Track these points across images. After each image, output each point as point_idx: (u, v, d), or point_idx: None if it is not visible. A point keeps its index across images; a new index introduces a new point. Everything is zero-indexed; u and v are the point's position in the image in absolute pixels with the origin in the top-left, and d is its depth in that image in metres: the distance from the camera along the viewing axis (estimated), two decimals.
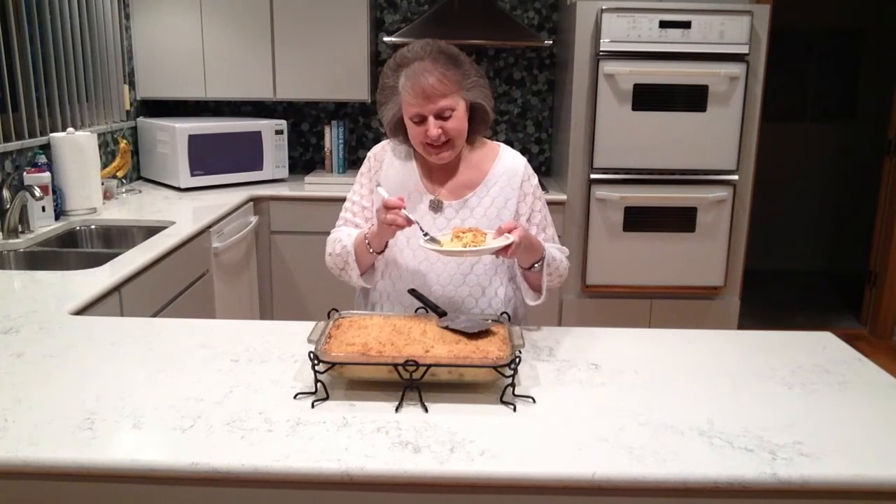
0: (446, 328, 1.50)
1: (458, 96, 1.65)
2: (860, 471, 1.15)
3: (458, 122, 1.66)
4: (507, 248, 1.54)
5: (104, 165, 3.39)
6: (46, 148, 2.94)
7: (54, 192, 2.83)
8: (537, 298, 1.73)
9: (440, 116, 1.63)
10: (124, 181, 3.55)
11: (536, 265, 1.67)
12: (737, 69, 3.48)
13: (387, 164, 1.80)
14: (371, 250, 1.67)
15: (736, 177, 3.61)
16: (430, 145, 1.66)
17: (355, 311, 1.64)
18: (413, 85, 1.62)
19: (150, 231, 2.80)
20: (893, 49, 5.42)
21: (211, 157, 3.64)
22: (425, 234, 1.61)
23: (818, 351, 1.64)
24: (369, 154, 1.84)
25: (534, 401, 1.35)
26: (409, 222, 1.57)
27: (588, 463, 1.15)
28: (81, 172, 2.93)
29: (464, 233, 1.60)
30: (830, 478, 1.14)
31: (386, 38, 3.72)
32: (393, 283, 1.78)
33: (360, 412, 1.30)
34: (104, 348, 1.58)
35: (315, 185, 3.74)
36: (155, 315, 2.41)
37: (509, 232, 1.55)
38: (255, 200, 3.62)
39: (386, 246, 1.70)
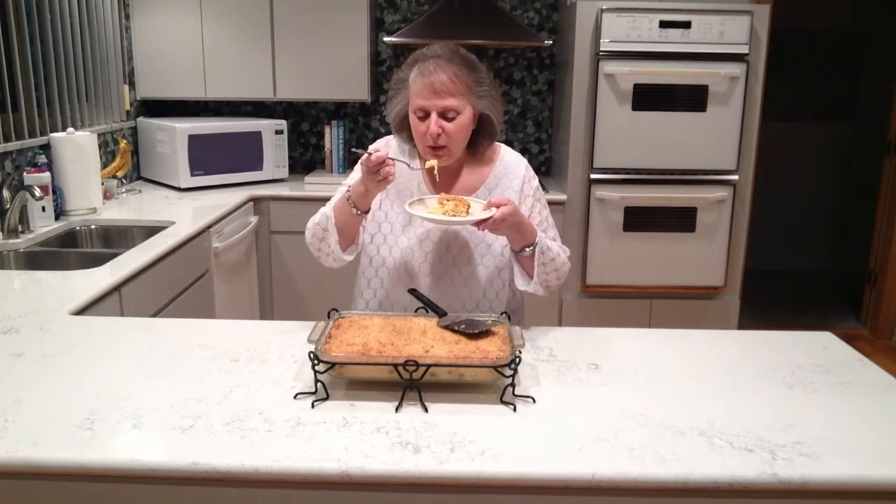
0: (446, 328, 1.50)
1: (467, 101, 1.64)
2: (860, 471, 1.15)
3: (460, 127, 1.65)
4: (485, 220, 1.54)
5: (104, 165, 3.39)
6: (46, 148, 2.94)
7: (54, 192, 2.83)
8: (527, 284, 1.71)
9: (444, 116, 1.63)
10: (124, 181, 3.55)
11: (528, 249, 1.65)
12: (737, 69, 3.48)
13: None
14: (356, 211, 1.64)
15: (736, 177, 3.61)
16: (429, 145, 1.66)
17: (355, 311, 1.64)
18: (424, 78, 1.62)
19: (150, 231, 2.80)
20: (893, 49, 5.42)
21: (211, 157, 3.64)
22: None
23: (818, 351, 1.64)
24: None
25: (534, 401, 1.35)
26: (393, 167, 1.57)
27: (588, 463, 1.15)
28: (81, 172, 2.93)
29: (448, 200, 1.61)
30: (830, 478, 1.14)
31: (386, 38, 3.72)
32: (381, 280, 1.78)
33: (360, 412, 1.30)
34: (104, 348, 1.58)
35: (315, 185, 3.74)
36: (155, 315, 2.41)
37: (497, 207, 1.55)
38: (255, 200, 3.62)
39: (369, 209, 1.68)
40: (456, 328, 1.49)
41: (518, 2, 4.10)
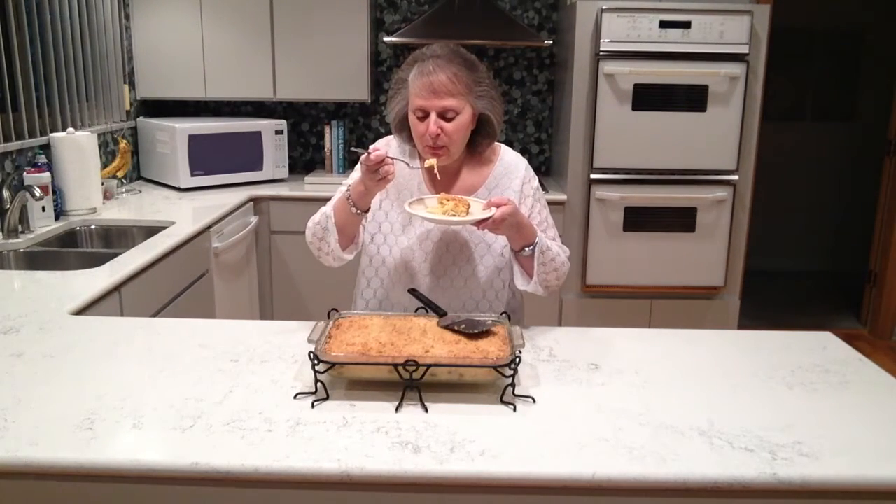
0: (446, 328, 1.50)
1: (466, 101, 1.64)
2: (860, 471, 1.15)
3: (460, 127, 1.65)
4: (484, 220, 1.55)
5: (104, 165, 3.39)
6: (46, 148, 2.94)
7: (54, 192, 2.83)
8: (527, 284, 1.71)
9: (443, 116, 1.62)
10: (124, 181, 3.55)
11: (527, 249, 1.65)
12: (737, 69, 3.48)
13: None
14: (356, 210, 1.64)
15: (736, 177, 3.61)
16: (428, 145, 1.66)
17: (355, 311, 1.64)
18: (423, 78, 1.61)
19: (150, 231, 2.80)
20: (893, 49, 5.42)
21: (211, 157, 3.64)
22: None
23: (818, 351, 1.64)
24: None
25: (534, 401, 1.35)
26: (393, 166, 1.57)
27: (588, 463, 1.15)
28: (81, 172, 2.93)
29: (448, 200, 1.61)
30: (830, 478, 1.14)
31: (386, 38, 3.72)
32: (381, 280, 1.78)
33: (360, 412, 1.30)
34: (104, 348, 1.58)
35: (315, 185, 3.74)
36: (155, 315, 2.41)
37: (497, 206, 1.55)
38: (255, 200, 3.62)
39: (369, 209, 1.68)
40: (456, 328, 1.49)
41: (518, 2, 4.10)
